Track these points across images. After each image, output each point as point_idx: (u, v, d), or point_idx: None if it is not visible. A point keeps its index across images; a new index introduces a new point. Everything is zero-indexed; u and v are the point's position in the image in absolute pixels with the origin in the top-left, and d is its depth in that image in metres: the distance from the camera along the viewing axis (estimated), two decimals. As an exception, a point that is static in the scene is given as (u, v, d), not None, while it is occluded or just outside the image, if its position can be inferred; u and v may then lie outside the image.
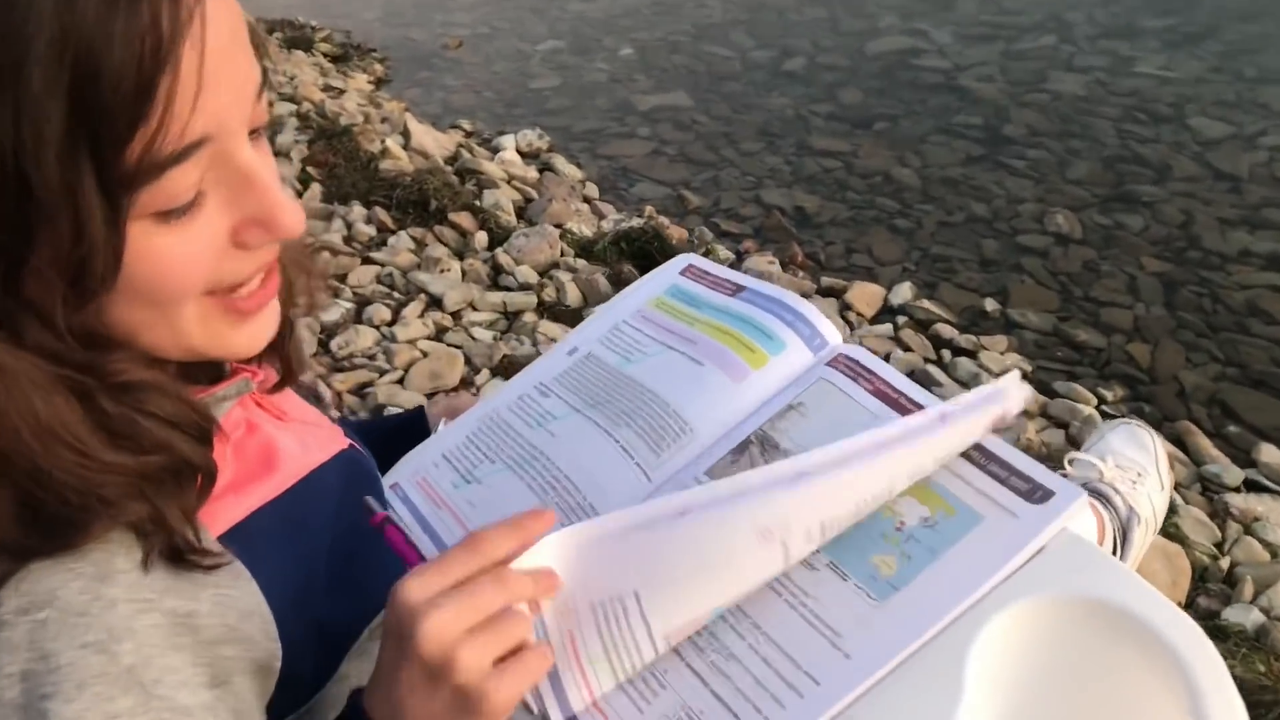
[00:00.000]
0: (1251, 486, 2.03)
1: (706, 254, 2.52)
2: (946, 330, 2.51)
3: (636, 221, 2.86)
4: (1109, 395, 2.33)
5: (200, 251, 0.51)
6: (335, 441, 0.72)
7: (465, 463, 0.83)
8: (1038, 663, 0.61)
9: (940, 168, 3.29)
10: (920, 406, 0.73)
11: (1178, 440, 2.21)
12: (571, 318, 2.38)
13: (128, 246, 0.48)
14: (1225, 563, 1.78)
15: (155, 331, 0.53)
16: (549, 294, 2.43)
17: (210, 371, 0.62)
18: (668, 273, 0.93)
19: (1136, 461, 1.26)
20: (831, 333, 0.82)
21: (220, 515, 0.58)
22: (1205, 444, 2.16)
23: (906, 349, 2.43)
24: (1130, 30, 4.16)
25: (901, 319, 2.57)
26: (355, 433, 0.79)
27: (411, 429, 0.95)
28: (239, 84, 0.50)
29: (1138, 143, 3.32)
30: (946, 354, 2.44)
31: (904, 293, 2.66)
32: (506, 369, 2.16)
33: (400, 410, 2.02)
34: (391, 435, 0.93)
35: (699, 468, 0.76)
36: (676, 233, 2.78)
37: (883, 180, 3.25)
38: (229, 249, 0.53)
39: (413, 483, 0.84)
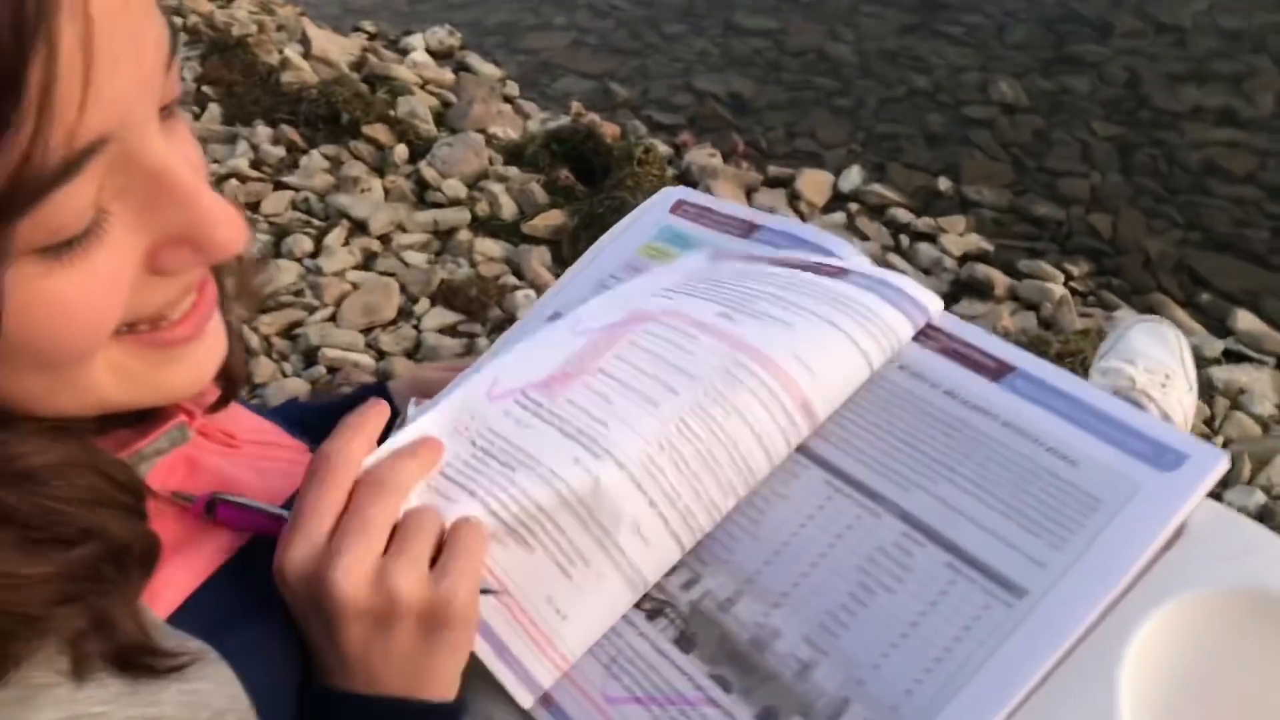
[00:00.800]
0: (1230, 356, 1.96)
1: (646, 152, 2.36)
2: (903, 214, 2.40)
3: (564, 120, 2.68)
4: (1075, 271, 2.25)
5: (105, 293, 0.37)
6: (301, 458, 0.59)
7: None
8: (1196, 672, 0.50)
9: (876, 40, 3.13)
10: (999, 360, 0.60)
11: (1149, 310, 2.13)
12: (509, 232, 2.22)
13: (6, 299, 0.34)
14: (1219, 442, 1.72)
15: (57, 398, 0.40)
16: (482, 208, 2.25)
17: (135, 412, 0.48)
18: (654, 212, 0.78)
19: (1163, 362, 1.16)
20: (925, 299, 0.67)
21: (166, 590, 0.45)
22: (1181, 315, 2.09)
23: (864, 237, 2.31)
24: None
25: (854, 206, 2.45)
26: (312, 420, 0.66)
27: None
28: (142, 56, 0.35)
29: (1076, 0, 3.19)
30: (905, 240, 2.33)
31: (853, 177, 2.53)
32: (447, 296, 2.00)
33: (342, 358, 1.86)
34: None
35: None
36: (609, 130, 2.61)
37: (817, 58, 3.09)
38: (146, 279, 0.39)
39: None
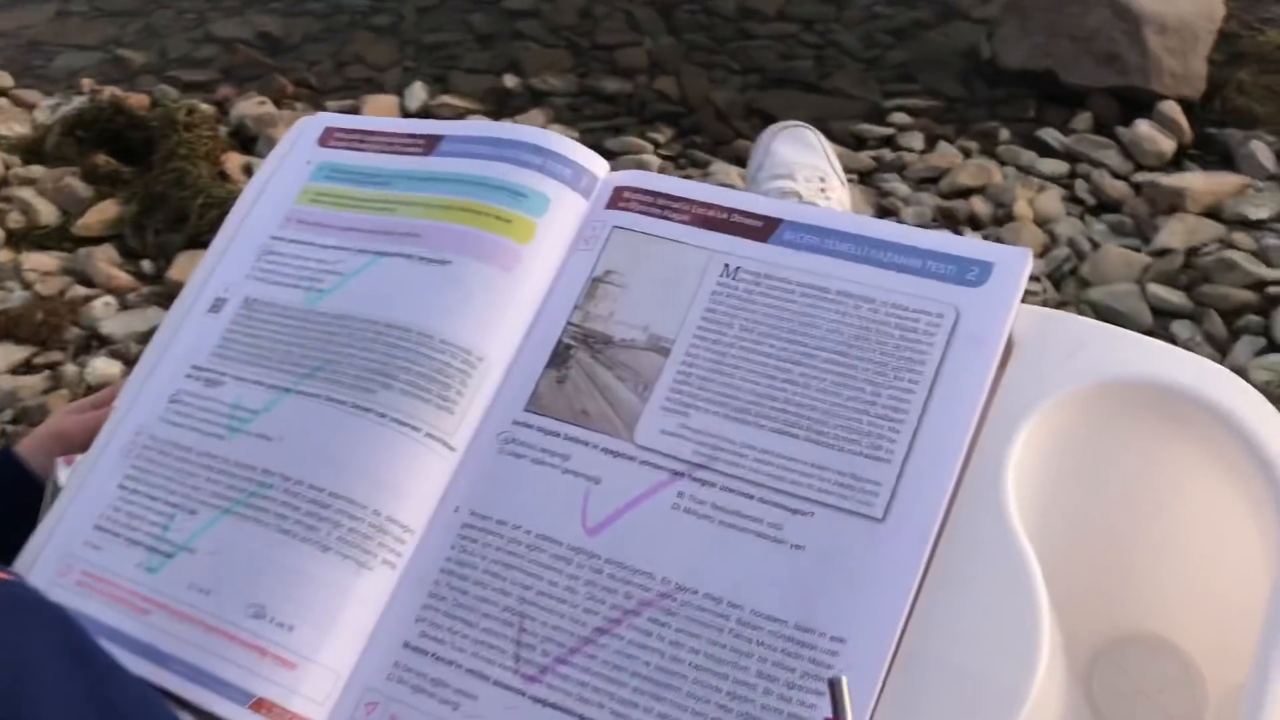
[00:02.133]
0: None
1: (190, 114, 2.10)
2: (480, 120, 2.31)
3: (80, 101, 2.34)
4: (660, 138, 2.27)
5: None
6: None
7: (146, 527, 0.53)
8: (1074, 478, 0.48)
9: (392, -52, 2.97)
10: (763, 216, 0.54)
11: (738, 158, 2.20)
12: (58, 239, 1.90)
13: None
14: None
15: None
16: (15, 220, 1.92)
17: None
18: (299, 151, 0.65)
19: (816, 166, 1.16)
20: (595, 163, 0.60)
21: None
22: (765, 157, 2.17)
23: (452, 154, 2.21)
24: None
25: (429, 123, 2.33)
26: None
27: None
28: None
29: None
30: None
31: (418, 94, 2.40)
32: (7, 328, 1.68)
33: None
34: None
35: (514, 405, 0.53)
36: (136, 101, 2.30)
37: (337, -22, 2.88)
38: None
39: (67, 584, 0.53)
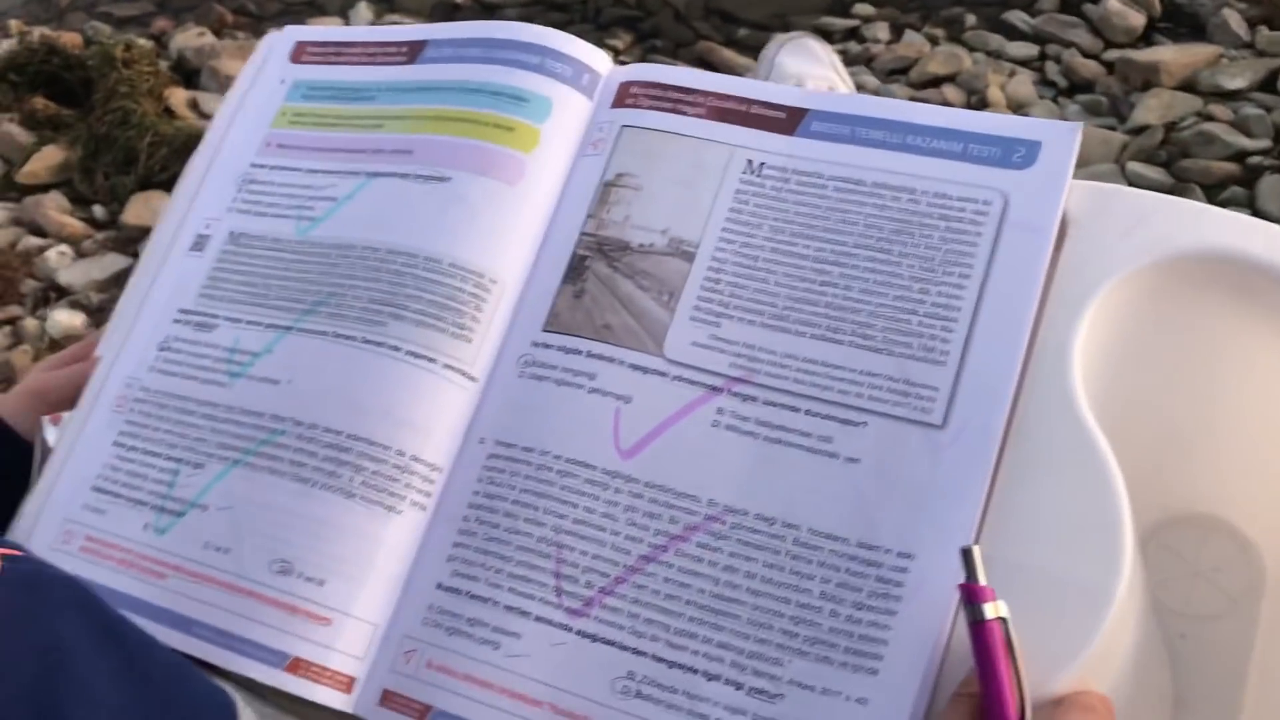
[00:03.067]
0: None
1: (128, 49, 2.01)
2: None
3: (9, 44, 2.23)
4: (619, 45, 2.21)
5: None
6: None
7: (150, 485, 0.50)
8: (1145, 360, 0.46)
9: None
10: (787, 106, 0.50)
11: (701, 61, 2.15)
12: (3, 187, 1.83)
13: None
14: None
15: None
16: (-45, 172, 1.84)
17: None
18: (270, 70, 0.60)
19: (822, 76, 1.13)
20: (597, 58, 0.55)
21: None
22: (729, 55, 2.11)
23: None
24: None
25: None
26: None
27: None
28: None
29: None
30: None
31: (363, 14, 2.32)
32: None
33: None
34: None
35: (532, 326, 0.50)
36: (69, 39, 2.21)
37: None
38: None
39: (71, 551, 0.50)
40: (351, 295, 0.50)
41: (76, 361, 0.61)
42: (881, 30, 2.16)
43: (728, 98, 0.52)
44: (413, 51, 0.57)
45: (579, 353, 0.49)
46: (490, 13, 2.33)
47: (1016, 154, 0.47)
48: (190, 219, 0.57)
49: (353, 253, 0.51)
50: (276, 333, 0.51)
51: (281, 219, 0.54)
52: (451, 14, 2.33)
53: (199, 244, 0.56)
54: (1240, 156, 1.69)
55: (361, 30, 0.61)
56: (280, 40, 0.61)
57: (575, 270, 0.50)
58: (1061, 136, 0.47)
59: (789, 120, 0.50)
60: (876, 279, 0.46)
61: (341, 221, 0.53)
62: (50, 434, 0.55)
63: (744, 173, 0.50)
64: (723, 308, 0.48)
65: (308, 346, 0.50)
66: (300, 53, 0.60)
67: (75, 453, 0.53)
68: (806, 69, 1.13)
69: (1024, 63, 2.03)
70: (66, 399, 0.57)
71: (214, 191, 0.57)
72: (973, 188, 0.46)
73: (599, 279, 0.50)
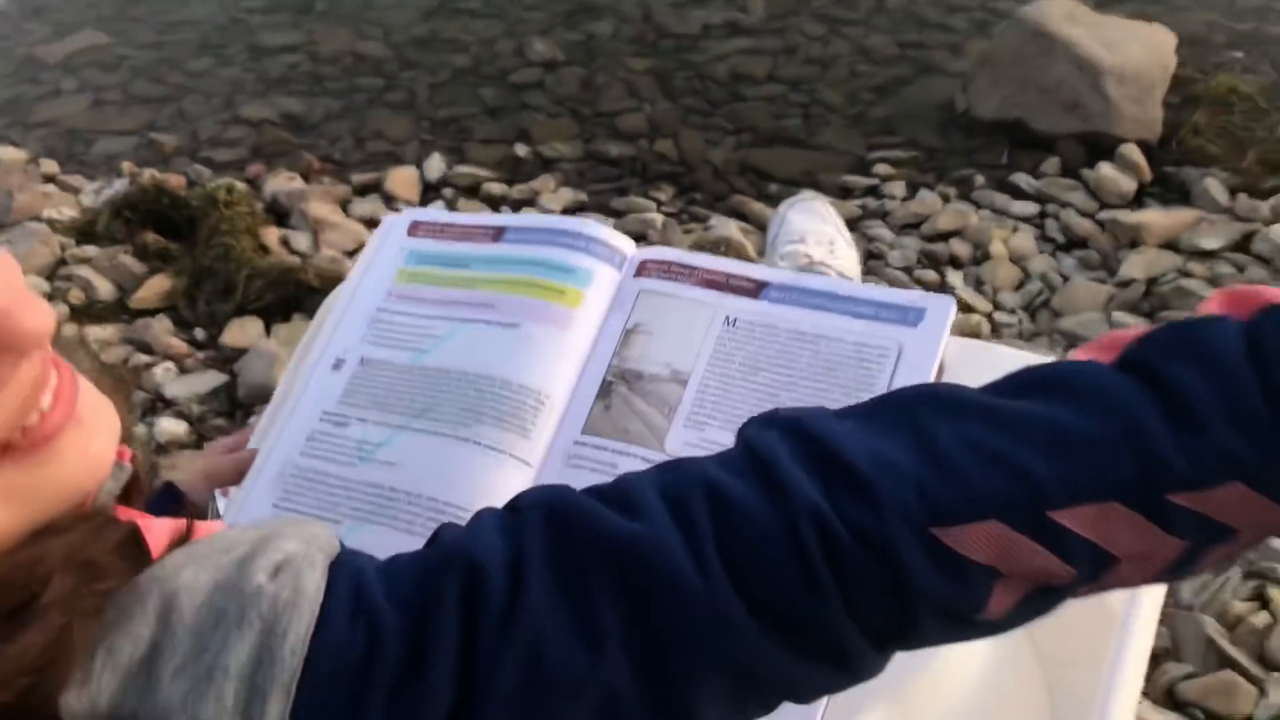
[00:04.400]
0: (812, 232, 2.25)
1: (229, 192, 2.29)
2: (496, 188, 2.50)
3: (122, 184, 2.53)
4: (662, 197, 2.46)
5: None
6: None
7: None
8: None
9: (403, 30, 3.19)
10: (753, 279, 0.72)
11: (735, 213, 2.39)
12: (116, 312, 2.09)
13: None
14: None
15: None
16: (76, 296, 2.10)
17: None
18: (392, 240, 0.83)
19: (824, 232, 1.34)
20: (624, 243, 0.77)
21: None
22: (759, 208, 2.35)
23: (471, 219, 2.40)
24: None
25: (448, 191, 2.52)
26: None
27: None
28: None
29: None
30: (506, 210, 2.44)
31: (436, 165, 2.60)
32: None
33: None
34: None
35: (572, 431, 0.71)
36: (174, 181, 2.50)
37: (354, 60, 3.09)
38: None
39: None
40: (448, 404, 0.72)
41: (234, 450, 0.83)
42: (898, 188, 2.40)
43: (713, 272, 0.73)
44: (497, 233, 0.79)
45: (606, 449, 0.69)
46: (548, 166, 2.61)
47: (910, 316, 0.68)
48: (330, 347, 0.79)
49: (450, 375, 0.73)
50: (393, 430, 0.72)
51: (400, 350, 0.76)
52: (516, 166, 2.61)
53: (338, 365, 0.78)
54: (1209, 311, 1.88)
55: (460, 215, 0.83)
56: (400, 220, 0.84)
57: (605, 391, 0.71)
58: (942, 305, 0.68)
59: (755, 289, 0.72)
60: (812, 401, 0.67)
61: (443, 353, 0.74)
62: (220, 504, 0.77)
63: (723, 325, 0.71)
64: (707, 417, 0.68)
65: (416, 440, 0.71)
66: (415, 229, 0.83)
67: (242, 516, 0.74)
68: (811, 226, 1.35)
69: (1026, 220, 2.26)
70: (235, 478, 0.78)
71: (349, 327, 0.79)
72: (879, 339, 0.67)
73: (621, 398, 0.71)
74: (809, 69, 2.87)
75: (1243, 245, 2.04)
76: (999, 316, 1.95)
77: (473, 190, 2.51)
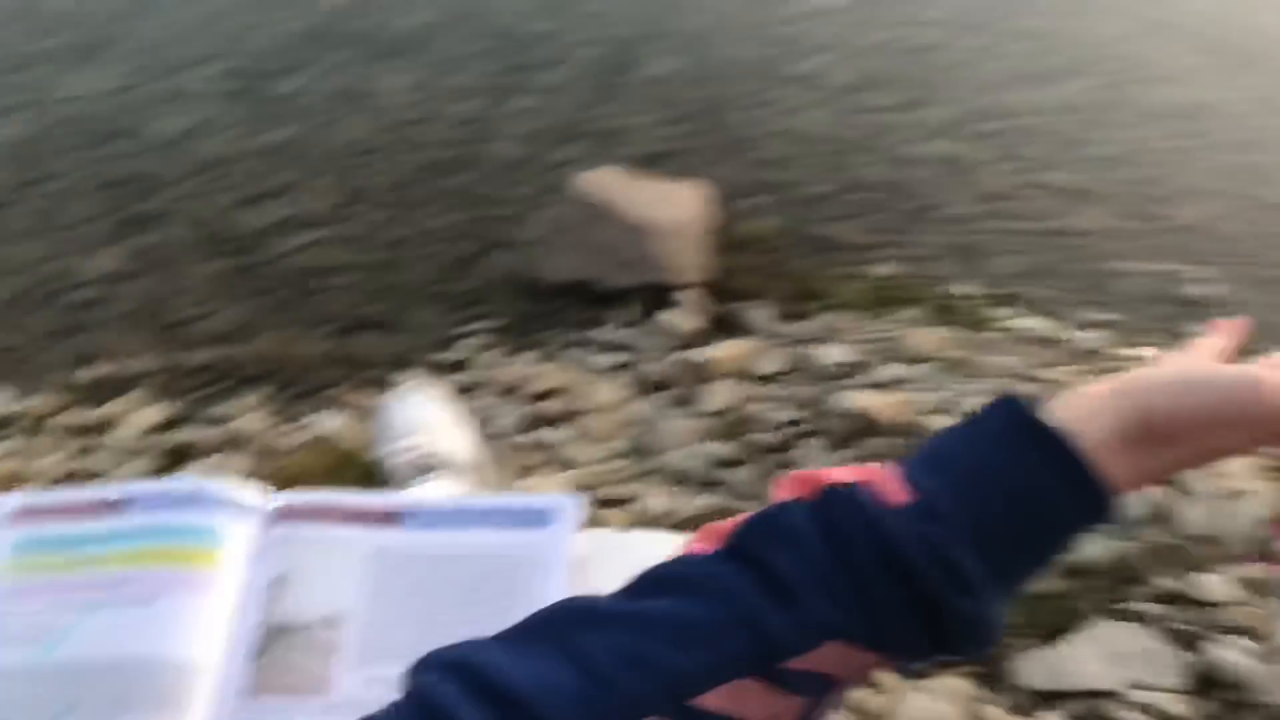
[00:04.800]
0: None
1: None
2: (71, 417, 2.35)
3: None
4: (254, 399, 2.41)
5: None
6: None
7: None
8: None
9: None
10: (393, 510, 0.75)
11: (334, 405, 2.38)
12: None
13: None
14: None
15: None
16: None
17: None
18: (-3, 532, 0.77)
19: (427, 420, 1.35)
20: (252, 495, 0.78)
21: None
22: (359, 398, 2.36)
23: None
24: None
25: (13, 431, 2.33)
26: None
27: None
28: None
29: (127, 160, 3.31)
30: (91, 439, 2.29)
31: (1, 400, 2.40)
32: None
33: None
34: None
35: (233, 697, 0.69)
36: None
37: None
38: None
39: None
40: (92, 700, 0.68)
41: None
42: (492, 357, 2.50)
43: (353, 509, 0.76)
44: (113, 506, 0.77)
45: (271, 709, 0.69)
46: (133, 383, 2.47)
47: (541, 519, 0.74)
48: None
49: (82, 669, 0.68)
50: (30, 742, 0.67)
51: (22, 649, 0.71)
52: (94, 390, 2.44)
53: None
54: (779, 426, 2.11)
55: (71, 493, 0.80)
56: (3, 506, 0.79)
57: (259, 648, 0.71)
58: (570, 505, 0.75)
59: (394, 519, 0.75)
60: (477, 613, 0.70)
61: (72, 645, 0.70)
62: None
63: (372, 560, 0.74)
64: (376, 656, 0.70)
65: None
66: (23, 515, 0.78)
67: None
68: (415, 415, 1.37)
69: (613, 369, 2.43)
70: None
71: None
72: (514, 548, 0.72)
73: (278, 653, 0.71)
74: (381, 254, 2.93)
75: (799, 365, 2.31)
76: (613, 465, 2.07)
77: (37, 423, 2.33)
